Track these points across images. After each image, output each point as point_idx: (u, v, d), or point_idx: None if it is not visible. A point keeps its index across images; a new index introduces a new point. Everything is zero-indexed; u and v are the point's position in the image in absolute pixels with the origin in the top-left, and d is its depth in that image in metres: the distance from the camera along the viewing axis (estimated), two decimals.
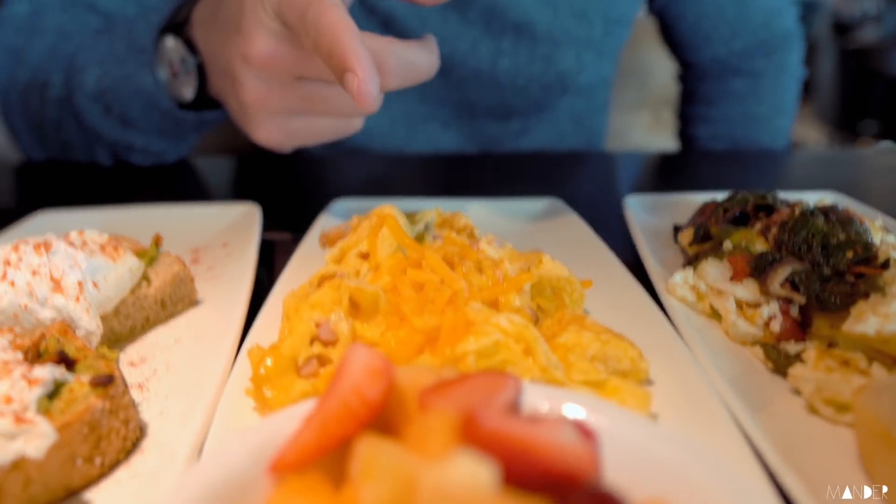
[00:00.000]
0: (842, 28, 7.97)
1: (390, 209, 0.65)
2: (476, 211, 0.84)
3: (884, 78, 6.78)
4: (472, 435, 0.31)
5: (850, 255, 0.62)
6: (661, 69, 1.94)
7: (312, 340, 0.52)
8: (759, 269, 0.63)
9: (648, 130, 2.15)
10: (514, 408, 0.38)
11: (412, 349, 0.50)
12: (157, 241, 0.70)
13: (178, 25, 0.87)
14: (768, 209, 0.73)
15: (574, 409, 0.38)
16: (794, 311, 0.60)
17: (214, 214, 0.85)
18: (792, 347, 0.57)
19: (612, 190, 0.92)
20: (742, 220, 0.73)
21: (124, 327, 0.63)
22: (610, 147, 1.83)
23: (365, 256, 0.63)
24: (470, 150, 1.29)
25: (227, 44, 0.74)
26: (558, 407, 0.39)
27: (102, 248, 0.65)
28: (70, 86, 1.03)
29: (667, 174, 1.25)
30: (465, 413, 0.32)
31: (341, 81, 0.59)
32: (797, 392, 0.53)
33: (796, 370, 0.53)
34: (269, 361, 0.49)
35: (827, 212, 0.69)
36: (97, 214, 0.86)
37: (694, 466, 0.34)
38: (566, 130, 1.38)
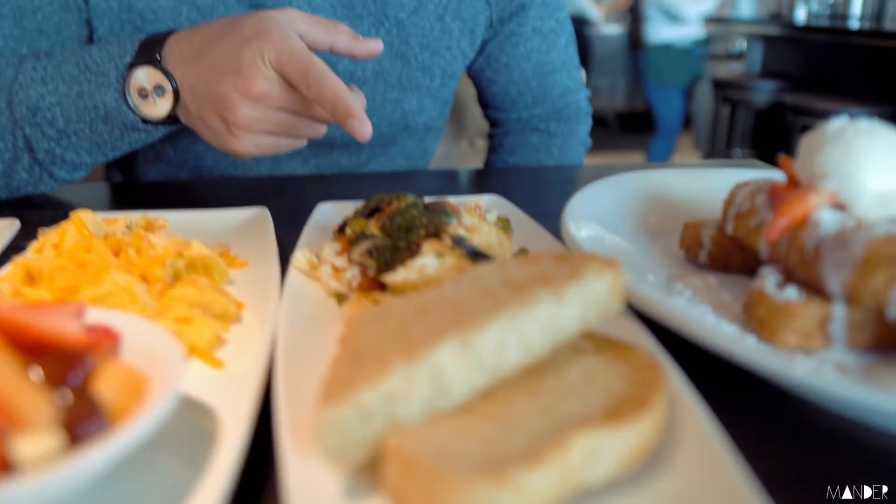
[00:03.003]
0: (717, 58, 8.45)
1: (84, 213, 0.87)
2: (197, 216, 1.06)
3: (750, 109, 7.25)
4: None
5: (422, 232, 0.86)
6: (476, 106, 2.20)
7: None
8: (352, 244, 0.86)
9: (462, 158, 2.42)
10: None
11: (54, 299, 0.72)
12: None
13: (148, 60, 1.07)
14: None
15: (105, 319, 0.60)
16: (372, 272, 0.84)
17: None
18: (354, 295, 0.80)
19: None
20: (373, 213, 0.96)
21: None
22: None
23: (56, 246, 0.84)
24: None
25: (223, 80, 1.01)
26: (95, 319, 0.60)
27: None
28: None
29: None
30: None
31: (344, 125, 0.97)
32: None
33: (344, 307, 0.77)
34: None
35: (428, 205, 0.93)
36: None
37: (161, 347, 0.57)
38: (398, 165, 1.67)
